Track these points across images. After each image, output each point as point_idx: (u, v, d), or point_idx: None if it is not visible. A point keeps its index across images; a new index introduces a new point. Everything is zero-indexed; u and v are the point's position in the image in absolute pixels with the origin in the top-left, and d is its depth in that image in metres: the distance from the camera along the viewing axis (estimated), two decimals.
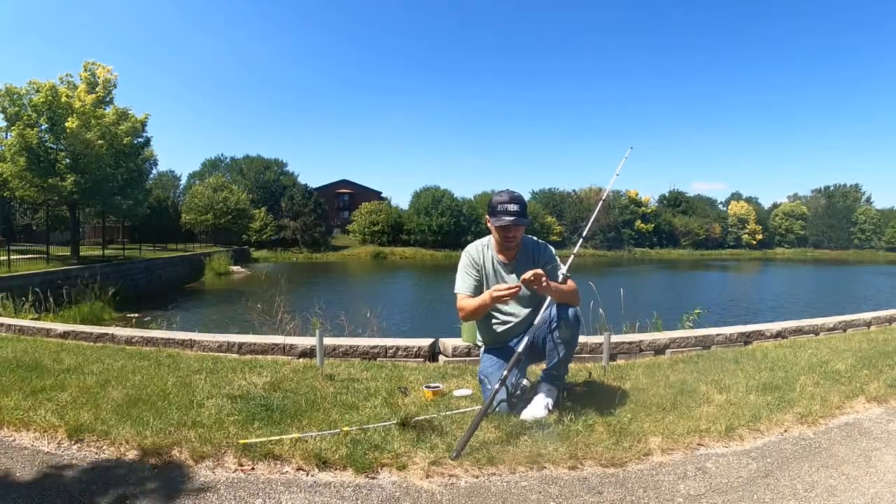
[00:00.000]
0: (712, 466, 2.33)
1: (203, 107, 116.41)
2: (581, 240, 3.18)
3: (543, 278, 2.58)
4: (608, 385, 3.25)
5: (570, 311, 2.73)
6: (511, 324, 2.94)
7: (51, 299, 10.22)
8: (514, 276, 2.91)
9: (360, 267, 47.13)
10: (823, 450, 2.52)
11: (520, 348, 2.69)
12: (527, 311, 2.92)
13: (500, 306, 2.93)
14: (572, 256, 2.92)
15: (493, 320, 2.98)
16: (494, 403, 2.68)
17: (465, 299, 2.87)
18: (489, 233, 3.02)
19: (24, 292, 9.19)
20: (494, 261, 2.93)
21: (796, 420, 2.80)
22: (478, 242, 2.99)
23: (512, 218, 2.74)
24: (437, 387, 3.14)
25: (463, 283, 2.91)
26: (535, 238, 3.00)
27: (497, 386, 2.60)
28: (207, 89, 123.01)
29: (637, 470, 2.28)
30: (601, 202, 3.54)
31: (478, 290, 2.89)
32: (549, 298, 2.77)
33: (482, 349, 3.09)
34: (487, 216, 2.86)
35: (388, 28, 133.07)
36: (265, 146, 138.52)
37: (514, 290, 2.62)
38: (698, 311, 6.02)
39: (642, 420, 2.68)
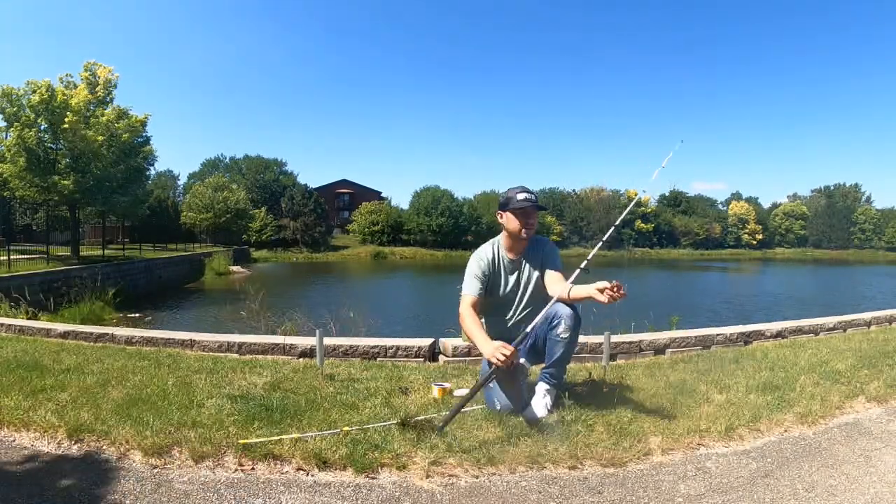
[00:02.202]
0: (712, 466, 2.33)
1: (202, 106, 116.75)
2: (608, 232, 3.31)
3: (619, 289, 2.48)
4: (608, 385, 3.25)
5: (571, 311, 2.72)
6: (517, 319, 2.95)
7: (51, 299, 10.22)
8: (515, 275, 2.94)
9: (360, 267, 47.15)
10: (823, 450, 2.52)
11: (524, 343, 2.70)
12: (533, 307, 2.91)
13: (506, 303, 2.94)
14: (592, 255, 2.93)
15: (499, 315, 2.99)
16: (498, 405, 2.72)
17: (469, 312, 2.82)
18: (489, 232, 3.04)
19: (24, 292, 9.19)
20: (504, 260, 2.96)
21: (796, 420, 2.80)
22: (488, 244, 3.00)
23: (532, 203, 2.83)
24: (446, 385, 3.14)
25: (470, 286, 2.91)
26: (538, 236, 3.02)
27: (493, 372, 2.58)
28: (207, 88, 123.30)
29: (637, 470, 2.28)
30: (634, 202, 3.80)
31: (483, 292, 2.92)
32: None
33: None
34: (500, 211, 2.91)
35: (388, 27, 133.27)
36: (265, 146, 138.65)
37: (509, 359, 2.50)
38: (677, 318, 6.10)
39: (642, 420, 2.68)
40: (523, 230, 2.87)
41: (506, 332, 2.97)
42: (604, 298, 2.48)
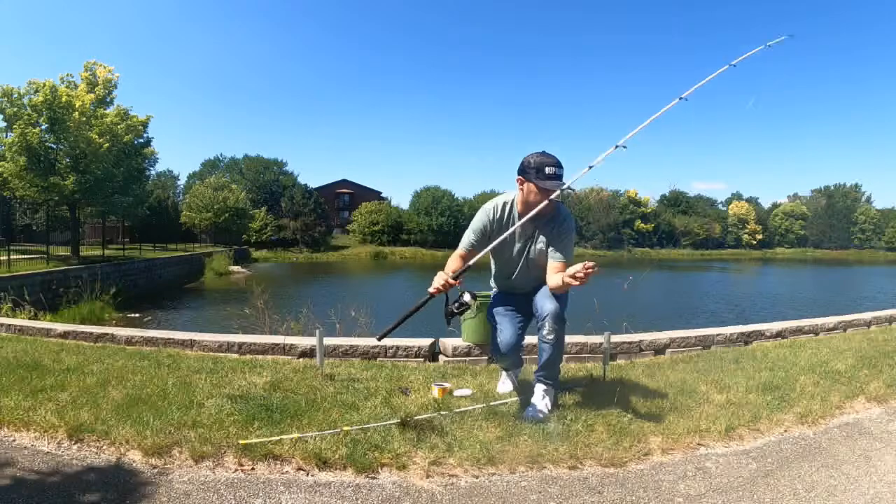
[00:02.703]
0: (712, 466, 2.33)
1: (202, 106, 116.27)
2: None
3: (581, 274, 2.44)
4: (608, 385, 3.25)
5: (555, 310, 2.70)
6: (522, 284, 2.94)
7: (43, 299, 10.20)
8: (523, 241, 2.86)
9: (360, 267, 47.17)
10: (823, 450, 2.52)
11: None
12: (539, 276, 2.84)
13: (511, 266, 2.93)
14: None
15: (506, 277, 2.99)
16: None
17: (455, 257, 2.81)
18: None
19: (24, 292, 9.19)
20: (515, 222, 2.83)
21: (796, 420, 2.80)
22: (501, 199, 2.89)
23: (561, 182, 2.67)
24: (446, 385, 3.15)
25: (465, 240, 2.88)
26: (561, 204, 2.86)
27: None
28: (206, 88, 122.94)
29: (637, 470, 2.28)
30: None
31: (478, 248, 2.83)
32: (544, 289, 2.79)
33: (493, 291, 3.15)
34: (522, 177, 2.73)
35: (388, 26, 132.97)
36: (265, 146, 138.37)
37: (442, 287, 2.57)
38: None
39: (642, 420, 2.68)
40: (542, 208, 2.72)
41: (511, 294, 3.00)
42: (577, 283, 2.46)
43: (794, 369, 3.66)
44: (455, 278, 2.59)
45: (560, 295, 2.76)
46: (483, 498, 2.05)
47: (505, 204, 2.87)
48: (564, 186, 2.67)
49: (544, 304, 2.73)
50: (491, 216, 2.86)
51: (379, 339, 2.51)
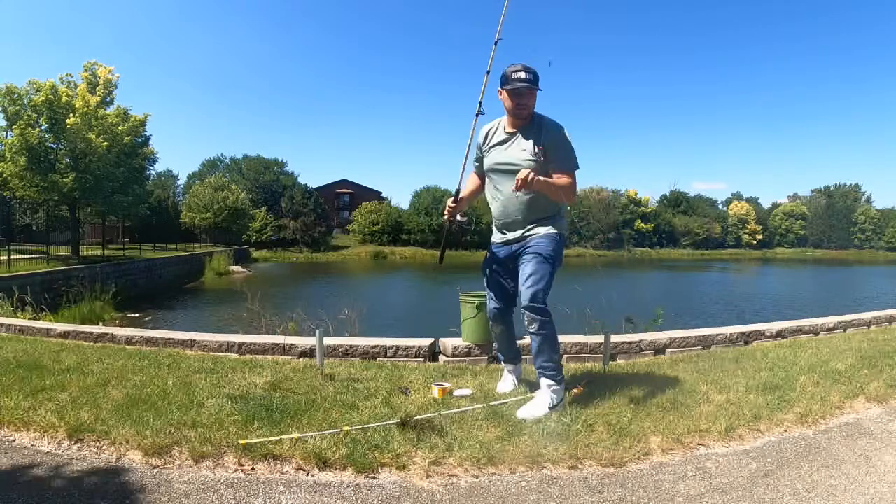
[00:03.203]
0: (712, 466, 2.33)
1: (202, 106, 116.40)
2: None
3: (525, 177, 2.66)
4: (608, 385, 3.25)
5: (532, 303, 2.74)
6: (511, 198, 2.92)
7: (46, 298, 10.19)
8: (503, 146, 2.91)
9: (360, 267, 47.17)
10: (823, 450, 2.52)
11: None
12: (515, 196, 2.85)
13: (495, 177, 2.98)
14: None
15: (497, 190, 3.00)
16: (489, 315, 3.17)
17: (469, 174, 3.21)
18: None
19: (24, 292, 9.18)
20: (500, 132, 2.95)
21: (796, 420, 2.80)
22: (497, 119, 3.01)
23: (525, 84, 2.74)
24: (446, 385, 3.15)
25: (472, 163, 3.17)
26: (551, 119, 2.90)
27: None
28: (207, 88, 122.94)
29: (637, 470, 2.28)
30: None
31: (480, 167, 3.09)
32: (522, 275, 2.83)
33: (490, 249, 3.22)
34: (500, 88, 2.84)
35: (388, 26, 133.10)
36: (265, 146, 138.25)
37: (450, 212, 3.00)
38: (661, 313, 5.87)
39: (642, 420, 2.68)
40: (515, 110, 2.82)
41: (503, 212, 3.00)
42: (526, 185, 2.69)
43: (794, 369, 3.66)
44: (455, 201, 3.02)
45: (539, 279, 2.78)
46: (483, 498, 2.05)
47: (495, 122, 3.01)
48: (525, 85, 2.74)
49: (523, 293, 2.80)
50: (483, 131, 3.04)
51: (440, 262, 3.27)
